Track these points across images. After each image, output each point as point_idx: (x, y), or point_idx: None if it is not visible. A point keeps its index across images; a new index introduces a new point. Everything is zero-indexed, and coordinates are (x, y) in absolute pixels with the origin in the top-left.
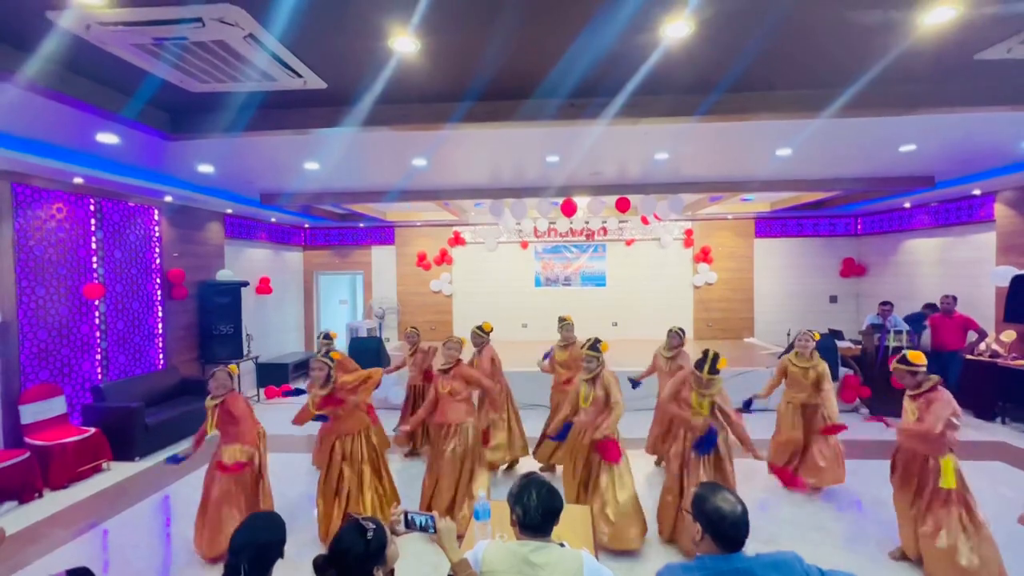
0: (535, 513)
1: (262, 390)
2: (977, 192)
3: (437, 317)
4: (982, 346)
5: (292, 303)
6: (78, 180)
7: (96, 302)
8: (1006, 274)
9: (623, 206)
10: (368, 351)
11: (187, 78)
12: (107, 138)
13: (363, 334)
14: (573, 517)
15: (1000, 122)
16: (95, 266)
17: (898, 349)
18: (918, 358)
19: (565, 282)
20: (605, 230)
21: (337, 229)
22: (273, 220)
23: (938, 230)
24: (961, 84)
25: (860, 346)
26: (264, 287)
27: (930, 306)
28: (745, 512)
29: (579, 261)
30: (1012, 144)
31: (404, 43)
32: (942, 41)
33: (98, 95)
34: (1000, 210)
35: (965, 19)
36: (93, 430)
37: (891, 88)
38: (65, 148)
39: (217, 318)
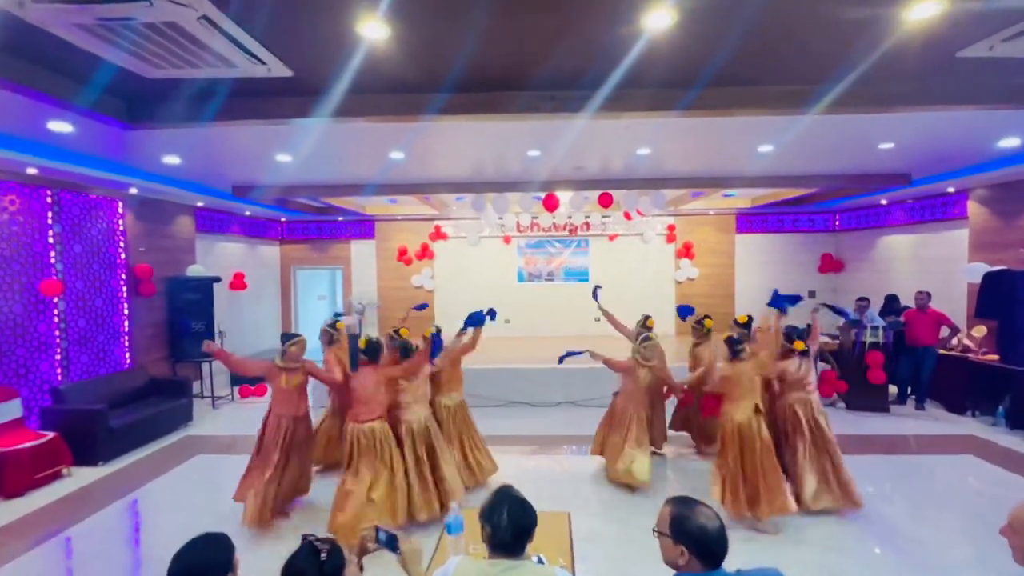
0: (505, 532)
1: (235, 389)
2: (951, 189)
3: (418, 313)
4: (954, 341)
5: (268, 299)
6: (32, 171)
7: (55, 299)
8: (978, 271)
9: (606, 201)
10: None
11: (141, 63)
12: (60, 127)
13: None
14: (550, 526)
15: (978, 121)
16: (53, 261)
17: (875, 344)
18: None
19: (548, 277)
20: (588, 225)
21: (315, 223)
22: (248, 213)
23: (913, 227)
24: (942, 82)
25: (837, 341)
26: (238, 282)
27: (891, 298)
28: (723, 523)
29: (562, 256)
30: (988, 143)
31: (373, 28)
32: (926, 38)
33: (45, 81)
34: (973, 207)
35: (949, 15)
36: (52, 434)
37: (873, 86)
38: (15, 137)
39: (188, 315)
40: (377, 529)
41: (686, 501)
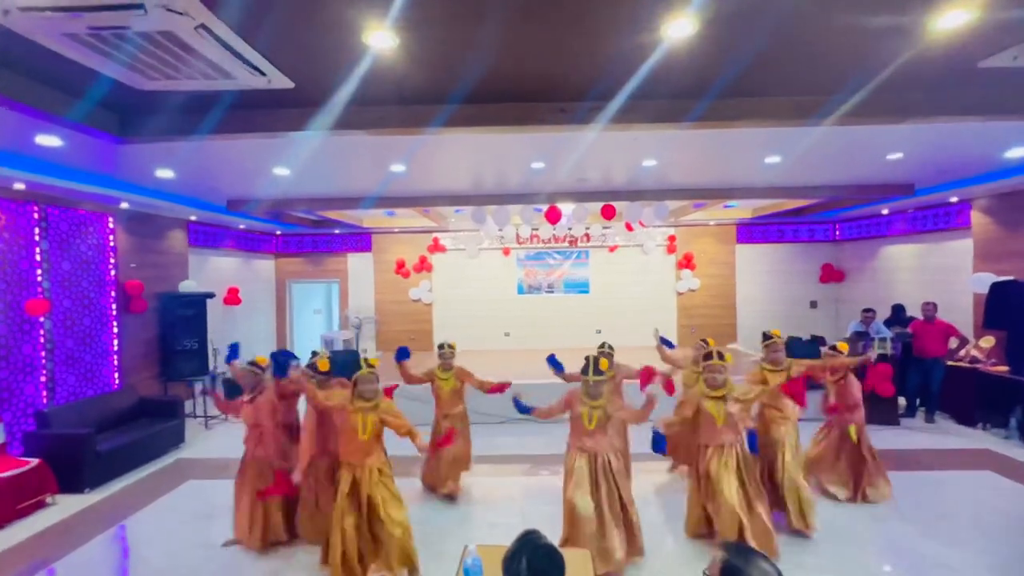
0: None
1: None
2: (954, 199)
3: (417, 327)
4: (962, 352)
5: (263, 314)
6: (19, 186)
7: (41, 319)
8: (985, 281)
9: (608, 213)
10: (344, 364)
11: (133, 74)
12: (49, 141)
13: (339, 346)
14: (572, 564)
15: (990, 131)
16: (40, 279)
17: (882, 356)
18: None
19: (548, 289)
20: (588, 236)
21: (311, 236)
22: (242, 227)
23: (915, 236)
24: (960, 93)
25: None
26: (232, 298)
27: (897, 307)
28: None
29: (562, 268)
30: (996, 153)
31: (380, 38)
32: (949, 47)
33: (33, 94)
34: (976, 217)
35: (977, 24)
36: (35, 461)
37: (889, 96)
38: (1, 151)
39: (180, 332)
40: None
41: (743, 551)
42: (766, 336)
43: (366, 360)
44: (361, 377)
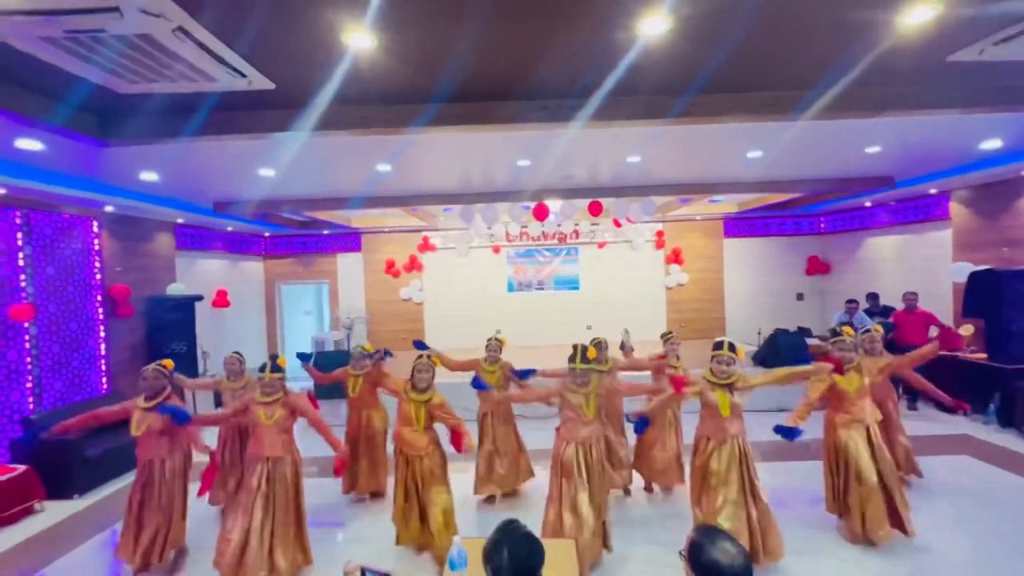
0: (506, 575)
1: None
2: (933, 191)
3: (408, 326)
4: None
5: (253, 316)
6: (0, 191)
7: (26, 324)
8: (964, 270)
9: (595, 210)
10: (335, 365)
11: (113, 77)
12: (29, 145)
13: (330, 347)
14: (557, 554)
15: (963, 123)
16: (23, 284)
17: None
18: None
19: (538, 286)
20: (577, 233)
21: (299, 237)
22: (229, 229)
23: (897, 228)
24: (932, 86)
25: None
26: (221, 300)
27: (872, 296)
28: (748, 563)
29: (552, 265)
30: (971, 145)
31: (359, 38)
32: (919, 42)
33: (11, 98)
34: (955, 208)
35: (943, 20)
36: (23, 467)
37: (864, 90)
38: None
39: (168, 336)
40: (363, 569)
41: (710, 532)
42: (835, 333)
43: (428, 354)
44: (419, 365)
